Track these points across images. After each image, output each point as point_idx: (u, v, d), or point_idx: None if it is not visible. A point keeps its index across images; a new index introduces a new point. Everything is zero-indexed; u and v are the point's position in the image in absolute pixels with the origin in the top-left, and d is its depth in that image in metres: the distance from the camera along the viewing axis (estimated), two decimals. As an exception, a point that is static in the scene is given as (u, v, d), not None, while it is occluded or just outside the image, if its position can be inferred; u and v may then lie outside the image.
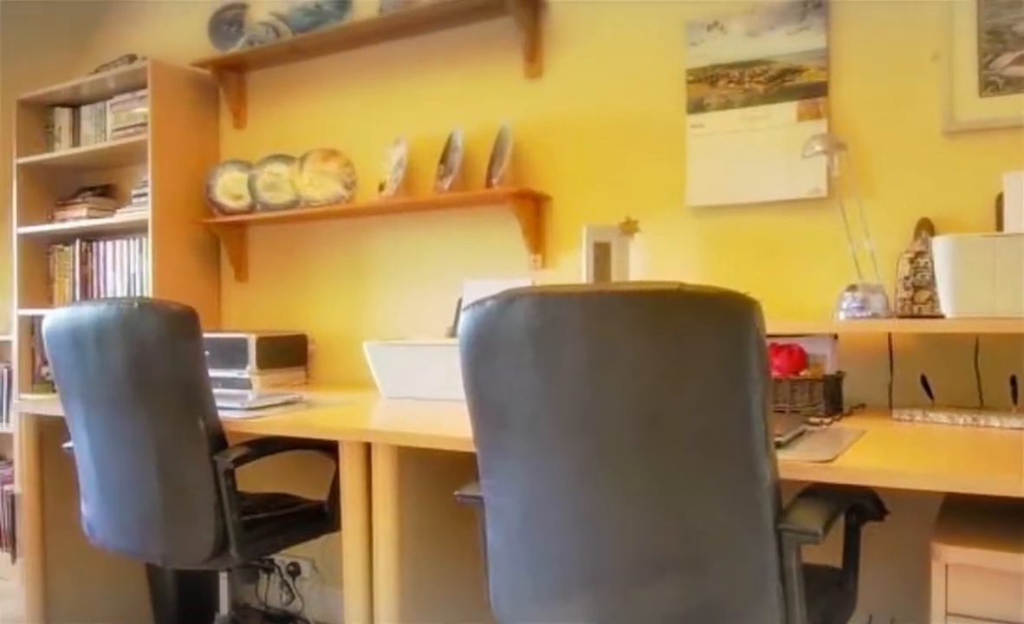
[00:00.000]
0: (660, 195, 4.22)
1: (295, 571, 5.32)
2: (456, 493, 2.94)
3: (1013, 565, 2.25)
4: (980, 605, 2.32)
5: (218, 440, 3.55)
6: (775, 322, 3.40)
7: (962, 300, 3.12)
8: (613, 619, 2.55)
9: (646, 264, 4.22)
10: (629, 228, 4.07)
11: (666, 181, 4.20)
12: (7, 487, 6.12)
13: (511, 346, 2.53)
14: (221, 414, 3.64)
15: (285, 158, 5.21)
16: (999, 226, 3.36)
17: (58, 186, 6.18)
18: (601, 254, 3.98)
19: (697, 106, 4.09)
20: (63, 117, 5.95)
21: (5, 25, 5.87)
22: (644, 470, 2.40)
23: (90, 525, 3.88)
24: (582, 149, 4.44)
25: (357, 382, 5.09)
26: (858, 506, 2.83)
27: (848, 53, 3.80)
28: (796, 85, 3.87)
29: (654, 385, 2.32)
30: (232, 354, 4.93)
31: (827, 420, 3.29)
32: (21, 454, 4.63)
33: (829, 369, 3.63)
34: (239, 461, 3.54)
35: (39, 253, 6.07)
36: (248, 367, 4.89)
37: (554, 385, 2.46)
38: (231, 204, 5.32)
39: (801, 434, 2.95)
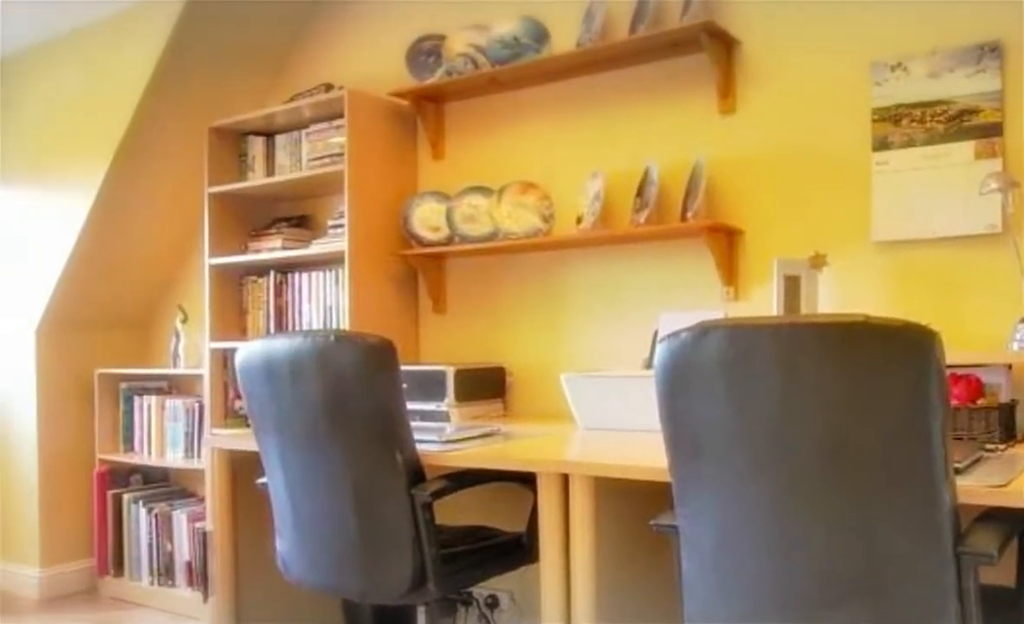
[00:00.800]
0: (847, 230, 4.48)
1: (493, 603, 5.53)
2: (652, 522, 3.17)
3: None
4: None
5: (416, 473, 3.80)
6: (953, 353, 3.57)
7: None
8: None
9: (833, 297, 4.46)
10: (818, 262, 4.32)
11: (852, 217, 4.46)
12: (198, 524, 6.42)
13: (705, 377, 2.78)
14: (419, 447, 3.90)
15: (483, 190, 5.44)
16: None
17: (251, 216, 6.52)
18: (791, 287, 4.21)
19: (882, 144, 4.34)
20: (256, 145, 6.21)
21: (197, 52, 6.12)
22: (832, 497, 2.65)
23: (285, 562, 4.16)
24: (773, 184, 4.69)
25: (554, 414, 5.28)
26: None
27: (1021, 95, 4.04)
28: (973, 125, 4.12)
29: (842, 415, 2.59)
30: (430, 387, 5.13)
31: (1002, 446, 3.53)
32: (213, 490, 4.95)
33: (1004, 398, 3.86)
34: (437, 494, 3.79)
35: (232, 284, 6.35)
36: (446, 400, 5.09)
37: (746, 415, 2.72)
38: (429, 236, 5.58)
39: (978, 460, 3.19)
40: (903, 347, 2.53)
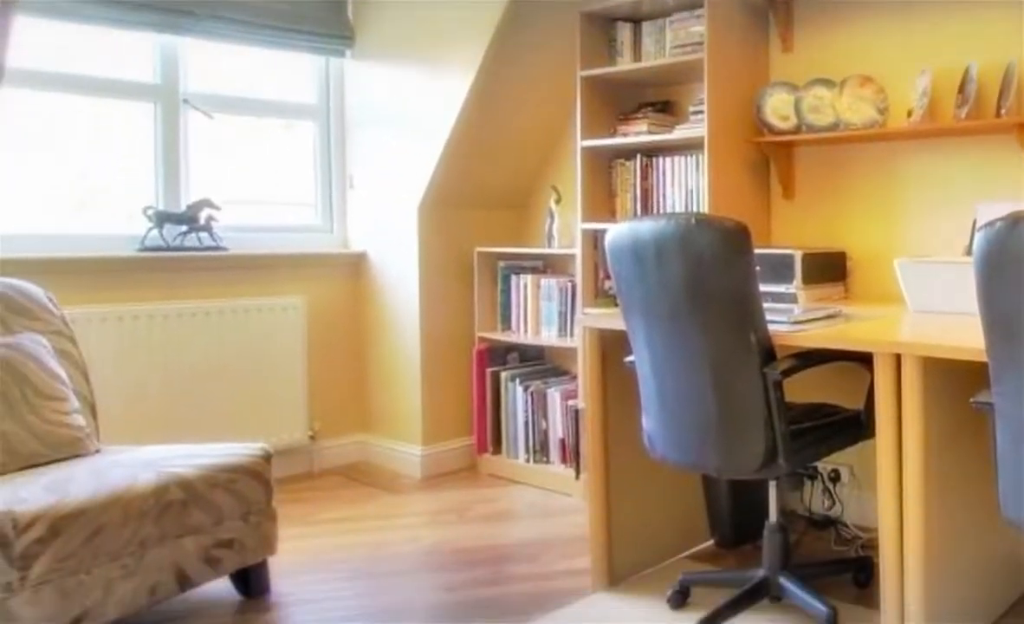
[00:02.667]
0: None
1: (835, 477, 6.03)
2: (972, 400, 3.61)
3: None
4: None
5: (767, 353, 4.25)
6: None
7: None
8: None
9: None
10: None
11: None
12: (571, 402, 7.02)
13: (1017, 264, 3.18)
14: (769, 327, 4.32)
15: (827, 82, 5.97)
16: None
17: (619, 100, 6.99)
18: None
19: None
20: (624, 31, 6.71)
21: None
22: None
23: (651, 439, 4.71)
24: None
25: (888, 296, 5.79)
26: None
27: None
28: None
29: None
30: (779, 269, 5.63)
31: None
32: (585, 369, 5.34)
33: None
34: (787, 372, 4.24)
35: (601, 167, 6.90)
36: (794, 282, 5.63)
37: None
38: (779, 124, 6.04)
39: None
40: None
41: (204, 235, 7.16)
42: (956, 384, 4.26)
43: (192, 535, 4.76)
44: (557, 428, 7.24)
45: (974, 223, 5.18)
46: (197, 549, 4.78)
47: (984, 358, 3.51)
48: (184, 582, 4.73)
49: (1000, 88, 5.21)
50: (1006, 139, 5.31)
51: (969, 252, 4.86)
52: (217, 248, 7.22)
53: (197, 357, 7.02)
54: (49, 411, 4.91)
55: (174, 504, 4.68)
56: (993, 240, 3.24)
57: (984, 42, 5.46)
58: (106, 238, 6.86)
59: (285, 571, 5.56)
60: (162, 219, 6.96)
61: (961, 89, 5.39)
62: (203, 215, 7.13)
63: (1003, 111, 5.17)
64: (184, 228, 7.07)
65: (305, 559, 5.85)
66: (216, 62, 7.49)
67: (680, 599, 5.04)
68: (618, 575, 5.41)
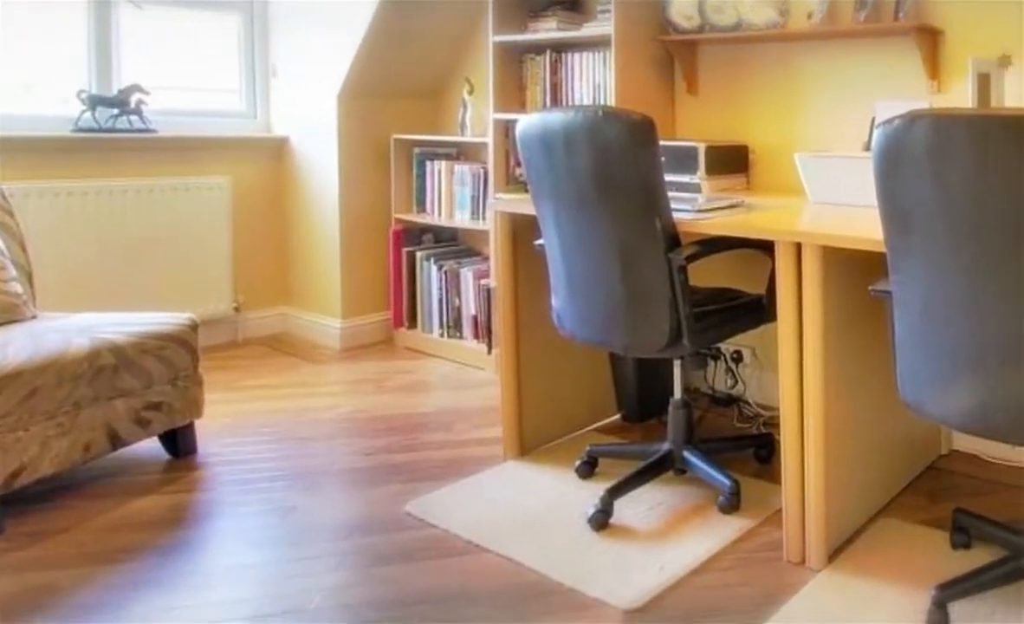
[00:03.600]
0: None
1: (738, 358, 5.99)
2: (870, 287, 3.59)
3: None
4: None
5: (672, 239, 4.18)
6: None
7: None
8: (992, 396, 3.21)
9: (1019, 95, 4.72)
10: (1004, 61, 4.62)
11: None
12: (483, 282, 6.89)
13: (913, 160, 3.14)
14: (674, 215, 4.26)
15: None
16: None
17: None
18: (983, 83, 4.50)
19: None
20: None
21: None
22: (1017, 270, 3.03)
23: (559, 317, 4.64)
24: None
25: (789, 188, 5.61)
26: None
27: None
28: None
29: (1022, 200, 2.95)
30: (684, 161, 5.47)
31: None
32: (496, 250, 5.30)
33: None
34: (691, 258, 4.18)
35: (512, 61, 6.72)
36: (698, 173, 5.45)
37: (946, 195, 3.10)
38: (684, 24, 5.93)
39: None
40: None
41: (135, 118, 7.12)
42: (854, 272, 4.23)
43: (123, 397, 4.82)
44: (470, 305, 7.19)
45: (873, 120, 5.08)
46: (128, 411, 4.85)
47: (881, 248, 3.50)
48: (116, 441, 4.80)
49: None
50: (904, 41, 5.25)
51: (868, 148, 4.91)
52: (146, 130, 7.18)
53: (128, 232, 7.02)
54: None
55: (106, 368, 4.73)
56: (891, 137, 3.19)
57: None
58: (43, 119, 6.83)
59: (211, 433, 5.62)
60: (95, 102, 6.93)
61: None
62: (133, 99, 7.11)
63: (901, 15, 5.14)
64: (116, 111, 7.05)
65: (230, 423, 5.89)
66: None
67: (587, 469, 5.02)
68: (528, 445, 5.38)
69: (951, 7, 5.06)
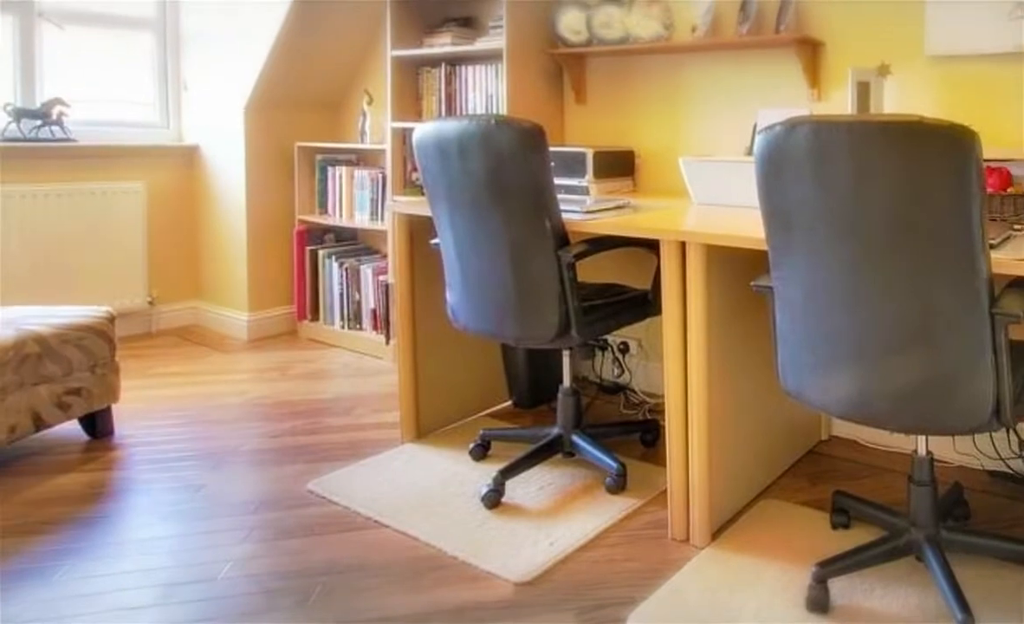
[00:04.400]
0: (906, 46, 4.64)
1: (624, 349, 5.80)
2: (752, 283, 3.46)
3: None
4: None
5: (561, 238, 4.05)
6: (989, 150, 3.78)
7: None
8: (869, 384, 3.10)
9: (895, 101, 4.62)
10: (883, 71, 4.52)
11: (911, 35, 4.62)
12: (382, 277, 6.72)
13: (794, 163, 3.03)
14: (564, 216, 4.13)
15: (616, 1, 5.59)
16: None
17: (425, 15, 6.54)
18: (862, 91, 4.37)
19: None
20: None
21: None
22: (895, 265, 2.93)
23: (454, 311, 4.47)
24: (849, 5, 4.83)
25: (673, 191, 5.47)
26: None
27: None
28: None
29: (901, 197, 2.84)
30: (573, 165, 5.31)
31: None
32: (394, 248, 5.16)
33: None
34: (579, 256, 4.06)
35: (410, 74, 6.52)
36: (586, 176, 5.28)
37: (826, 196, 2.98)
38: (572, 38, 5.75)
39: (1008, 238, 3.40)
40: (950, 143, 2.76)
41: (56, 128, 7.02)
42: (736, 269, 4.10)
43: (46, 383, 4.77)
44: (369, 300, 7.02)
45: (755, 126, 4.97)
46: (50, 395, 4.80)
47: (763, 247, 3.39)
48: (39, 424, 4.75)
49: (780, 7, 5.05)
50: (785, 52, 5.14)
51: (750, 152, 4.79)
52: (67, 140, 7.06)
53: (52, 233, 6.91)
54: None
55: (31, 356, 4.68)
56: (772, 142, 3.08)
57: None
58: None
59: (127, 416, 5.51)
60: (19, 114, 6.85)
61: (743, 7, 5.19)
62: (55, 111, 6.99)
63: (782, 28, 5.01)
64: (39, 122, 6.94)
65: (144, 407, 5.75)
66: None
67: (481, 451, 4.89)
68: (424, 429, 5.23)
69: (831, 20, 4.96)
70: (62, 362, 4.84)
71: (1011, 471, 4.37)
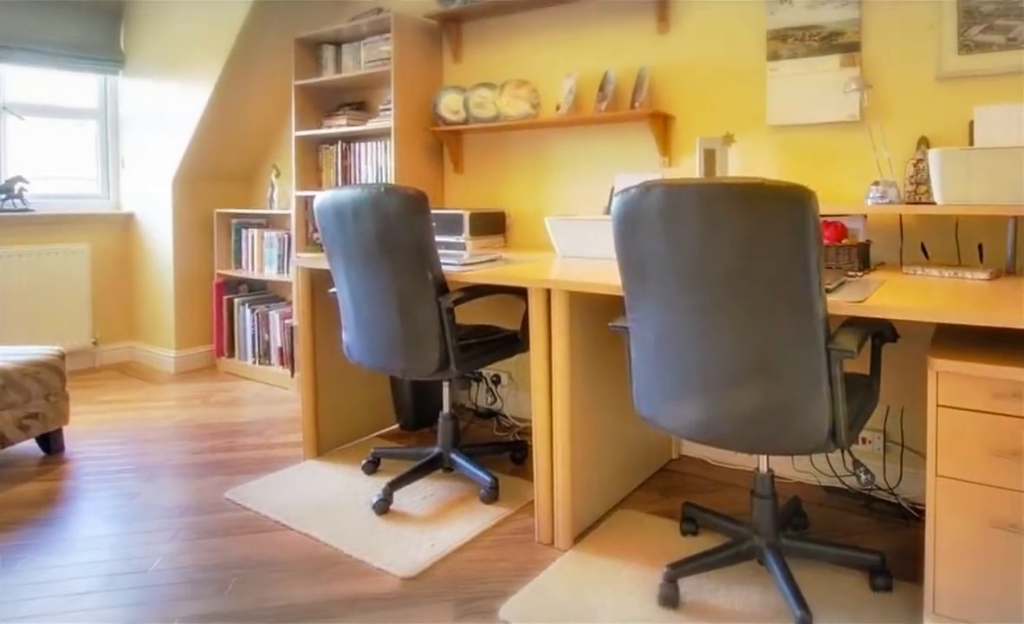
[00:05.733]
0: (749, 117, 4.42)
1: (497, 381, 5.53)
2: (610, 324, 3.23)
3: (976, 371, 2.55)
4: (958, 398, 2.60)
5: (442, 287, 3.83)
6: (825, 206, 3.77)
7: (947, 192, 3.39)
8: (716, 411, 2.87)
9: (739, 165, 4.42)
10: (728, 139, 4.28)
11: (753, 108, 4.40)
12: (287, 321, 6.44)
13: (648, 221, 2.80)
14: (444, 268, 3.92)
15: (489, 85, 5.32)
16: (971, 142, 3.62)
17: (324, 101, 6.26)
18: (709, 158, 4.16)
19: (773, 56, 4.28)
20: (328, 52, 6.01)
21: None
22: (739, 308, 2.71)
23: (349, 349, 4.18)
24: (697, 84, 4.60)
25: (540, 246, 5.24)
26: (880, 332, 3.10)
27: (874, 22, 4.02)
28: (839, 43, 4.09)
29: (745, 249, 2.62)
30: (452, 225, 5.04)
31: (859, 274, 3.55)
32: (298, 296, 4.85)
33: (861, 238, 3.88)
34: (457, 302, 3.84)
35: (311, 151, 6.20)
36: (463, 234, 5.00)
37: (677, 250, 2.76)
38: (451, 117, 5.45)
39: (843, 283, 3.19)
40: (789, 201, 2.55)
41: (18, 200, 6.79)
42: (596, 312, 3.87)
43: (8, 409, 4.67)
44: (277, 339, 6.69)
45: (612, 189, 4.78)
46: (12, 419, 4.68)
47: (619, 293, 3.22)
48: (3, 441, 4.64)
49: (634, 87, 4.80)
50: (639, 125, 4.89)
51: (608, 211, 4.64)
52: (26, 210, 6.81)
53: (11, 286, 6.70)
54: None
55: None
56: (628, 203, 2.87)
57: (621, 53, 4.93)
58: None
59: (76, 436, 5.34)
60: None
61: (602, 88, 4.91)
62: (17, 187, 6.81)
63: (637, 104, 4.74)
64: (3, 196, 6.71)
65: (90, 429, 5.52)
66: (26, 78, 7.00)
67: (372, 467, 4.60)
68: (324, 447, 4.94)
69: (681, 97, 4.71)
70: (22, 391, 4.72)
71: (845, 486, 4.18)
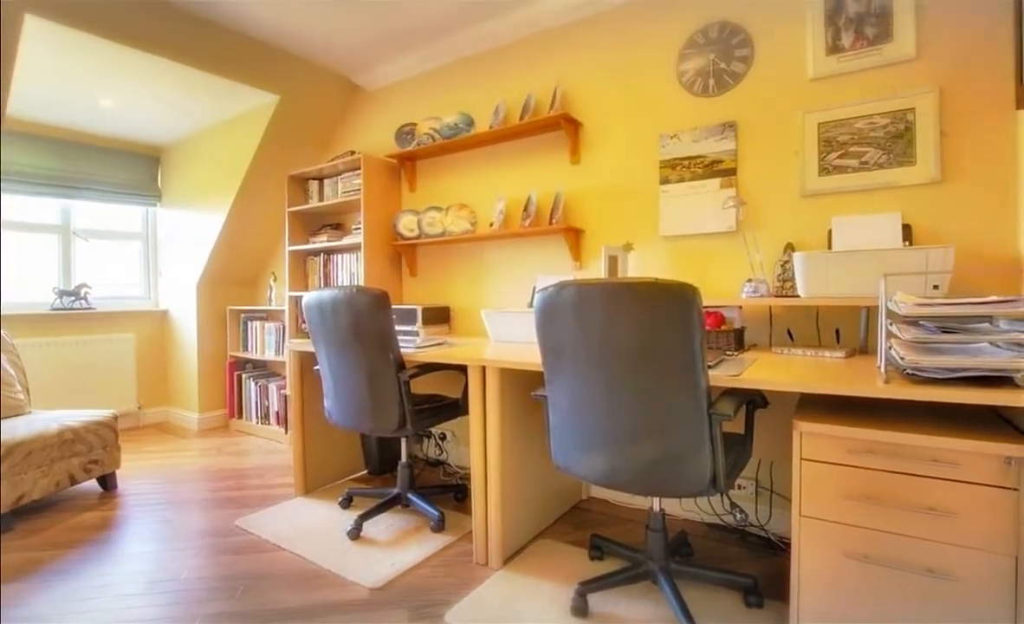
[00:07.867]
0: (645, 229, 4.22)
1: (443, 437, 5.29)
2: (532, 393, 3.08)
3: (833, 432, 2.34)
4: (818, 453, 2.37)
5: (400, 365, 3.65)
6: (708, 299, 3.59)
7: (809, 287, 3.19)
8: (618, 462, 2.65)
9: (637, 267, 4.22)
10: (628, 247, 4.08)
11: (648, 222, 4.21)
12: (282, 391, 6.20)
13: (562, 312, 2.62)
14: (402, 350, 3.79)
15: (438, 208, 5.14)
16: (830, 246, 3.43)
17: (311, 223, 6.10)
18: (612, 262, 3.98)
19: (665, 180, 4.10)
20: (313, 185, 5.88)
21: (283, 134, 5.85)
22: (636, 381, 2.50)
23: (329, 412, 3.97)
24: (602, 204, 4.42)
25: (477, 332, 5.04)
26: (752, 400, 2.89)
27: (749, 150, 3.84)
28: (719, 169, 3.91)
29: (642, 335, 2.43)
30: (408, 317, 4.87)
31: (736, 353, 3.33)
32: (290, 373, 4.69)
33: (737, 325, 3.68)
34: (412, 376, 3.72)
35: (300, 261, 6.01)
36: (417, 324, 4.84)
37: (587, 335, 2.57)
38: (407, 234, 5.26)
39: (722, 361, 2.99)
40: (678, 297, 2.37)
41: (83, 302, 6.51)
42: (521, 383, 3.67)
43: (76, 456, 4.61)
44: (274, 405, 6.34)
45: (534, 287, 4.56)
46: (79, 464, 4.63)
47: (539, 369, 3.11)
48: (73, 481, 4.58)
49: (552, 206, 4.61)
50: (556, 237, 4.68)
51: (531, 305, 4.46)
52: (89, 308, 6.52)
53: (77, 364, 6.49)
54: (5, 389, 4.80)
55: (68, 440, 4.56)
56: (547, 298, 2.72)
57: (541, 180, 4.74)
58: (35, 303, 6.46)
59: (126, 477, 5.19)
60: (62, 294, 6.42)
61: (526, 208, 4.72)
62: (82, 291, 6.53)
63: (554, 221, 4.54)
64: (73, 298, 6.46)
65: (136, 471, 5.33)
66: (89, 210, 6.76)
67: (347, 503, 4.35)
68: (310, 487, 4.67)
69: (589, 214, 4.49)
70: (86, 443, 4.68)
71: (724, 523, 3.92)
